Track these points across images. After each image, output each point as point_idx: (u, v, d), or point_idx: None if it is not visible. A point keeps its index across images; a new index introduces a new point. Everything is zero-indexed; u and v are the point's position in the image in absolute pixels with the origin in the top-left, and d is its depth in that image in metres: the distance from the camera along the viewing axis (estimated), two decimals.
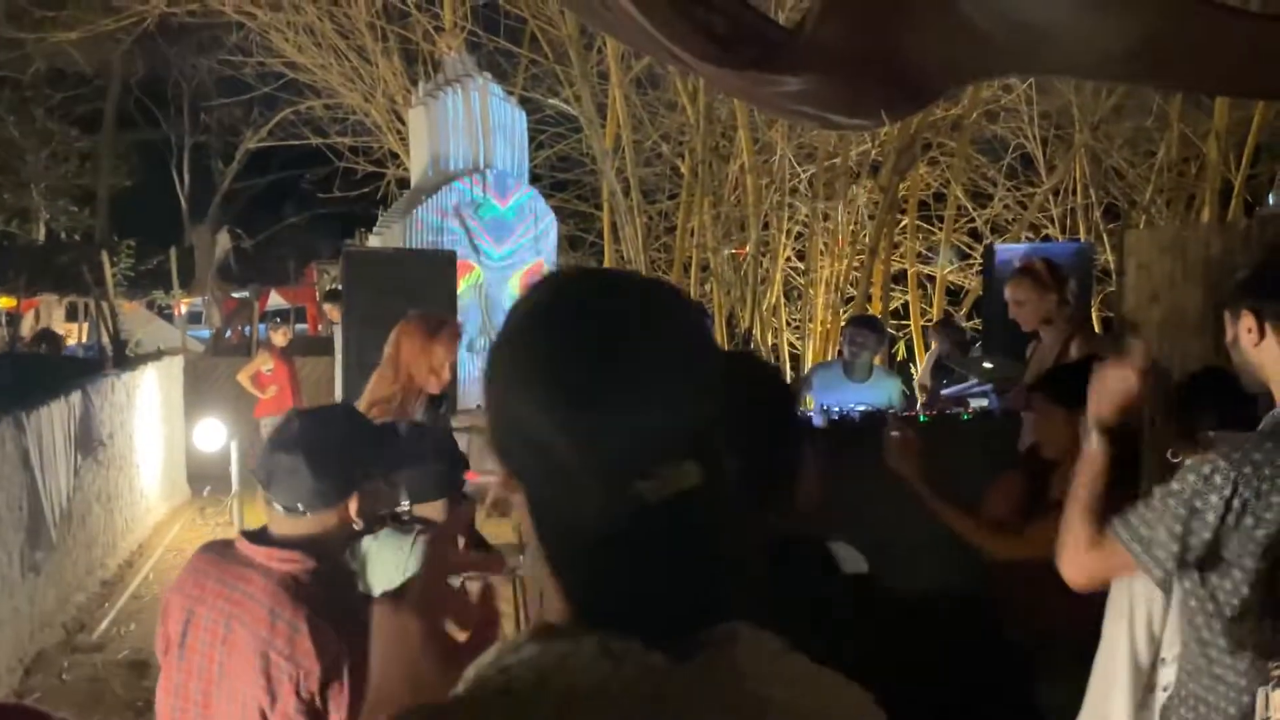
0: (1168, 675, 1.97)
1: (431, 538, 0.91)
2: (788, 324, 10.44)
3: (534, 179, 8.81)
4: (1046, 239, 10.83)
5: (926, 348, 9.08)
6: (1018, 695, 1.57)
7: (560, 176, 11.10)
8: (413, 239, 7.46)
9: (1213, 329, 4.30)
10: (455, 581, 0.88)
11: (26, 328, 13.91)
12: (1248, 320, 1.77)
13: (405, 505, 3.61)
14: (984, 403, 4.62)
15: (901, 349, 10.76)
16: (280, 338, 9.12)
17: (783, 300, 10.37)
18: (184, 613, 1.80)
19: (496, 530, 3.97)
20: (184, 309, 16.90)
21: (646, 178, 10.30)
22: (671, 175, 10.61)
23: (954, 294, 11.29)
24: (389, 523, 2.78)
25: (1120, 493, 1.85)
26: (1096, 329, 7.30)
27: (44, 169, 18.32)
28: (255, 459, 1.90)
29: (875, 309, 9.80)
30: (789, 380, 9.45)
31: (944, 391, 5.40)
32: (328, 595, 1.78)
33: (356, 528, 1.90)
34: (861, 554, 1.51)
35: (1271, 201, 4.80)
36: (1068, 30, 3.59)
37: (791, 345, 10.29)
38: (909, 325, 10.75)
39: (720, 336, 9.04)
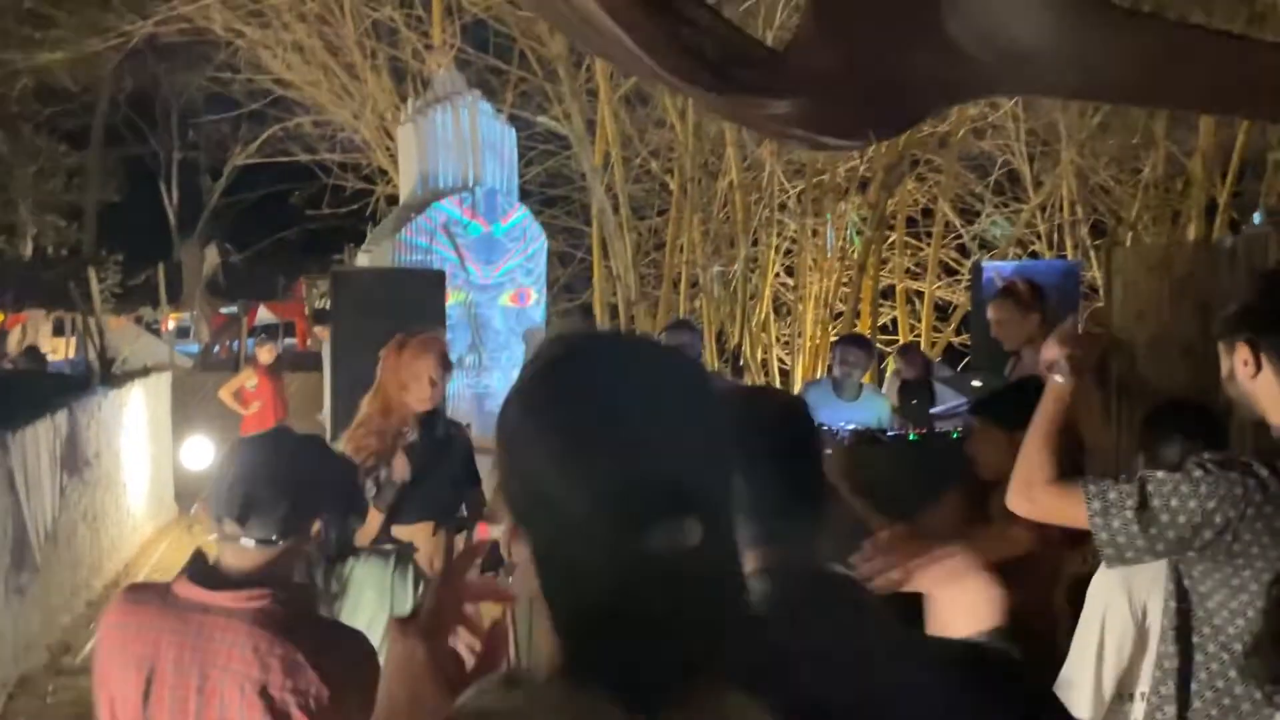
0: (1137, 712, 1.96)
1: (446, 564, 0.93)
2: (777, 340, 10.46)
3: (523, 195, 8.82)
4: (1034, 255, 10.89)
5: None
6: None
7: (550, 193, 11.12)
8: (401, 257, 7.45)
9: (1200, 347, 4.34)
10: (470, 608, 0.91)
11: (13, 343, 13.83)
12: (1243, 352, 1.76)
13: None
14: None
15: (890, 364, 10.78)
16: (266, 354, 9.08)
17: (772, 316, 10.39)
18: (142, 672, 1.71)
19: None
20: (172, 324, 16.83)
21: (636, 194, 10.32)
22: (661, 191, 10.64)
23: (942, 309, 11.34)
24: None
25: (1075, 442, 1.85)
26: None
27: (31, 184, 18.24)
28: (218, 492, 1.77)
29: (864, 325, 9.83)
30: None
31: (932, 410, 5.44)
32: (303, 620, 1.77)
33: (313, 550, 1.90)
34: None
35: (1257, 221, 4.83)
36: (1053, 51, 3.62)
37: (781, 361, 10.30)
38: (898, 340, 10.78)
39: (710, 352, 9.05)
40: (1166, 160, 9.60)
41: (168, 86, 18.88)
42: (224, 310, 16.57)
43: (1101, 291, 8.39)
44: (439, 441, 3.57)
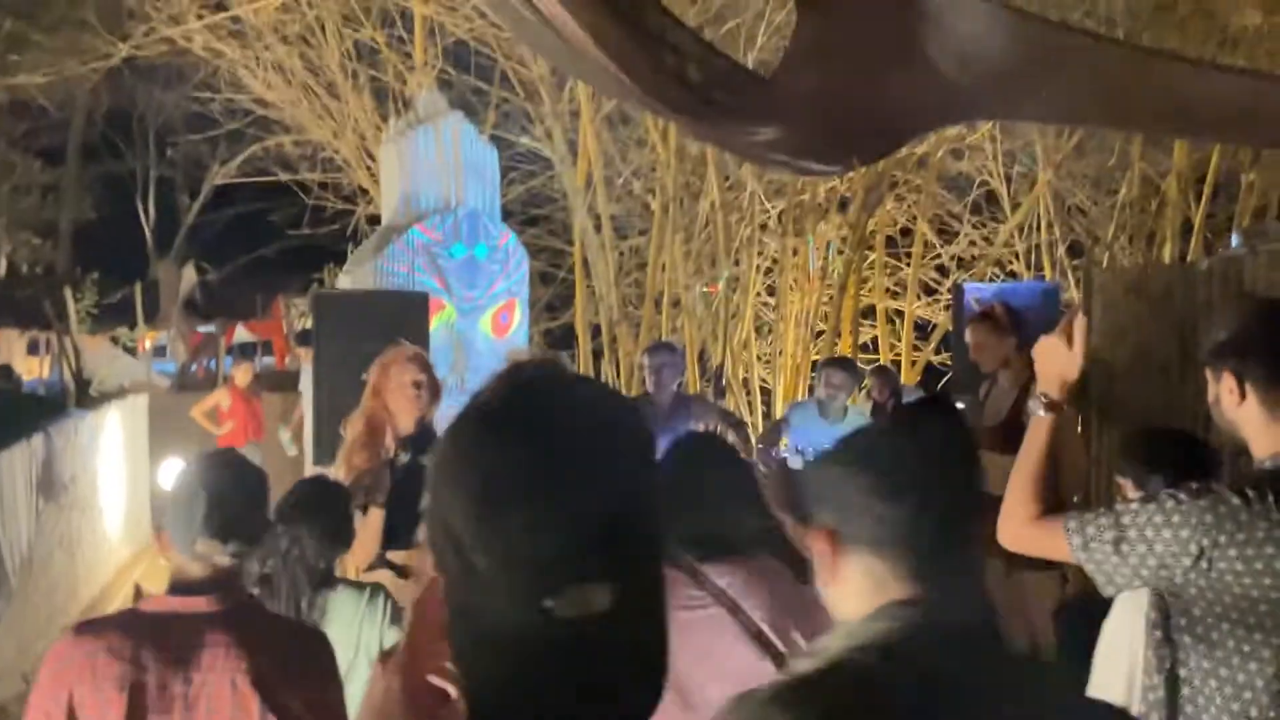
0: None
1: (422, 597, 0.92)
2: (758, 359, 10.49)
3: (505, 215, 8.81)
4: (1013, 275, 10.99)
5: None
6: None
7: (532, 212, 11.13)
8: (383, 279, 7.42)
9: (1177, 367, 4.39)
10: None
11: None
12: (1229, 381, 1.77)
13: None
14: None
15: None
16: (242, 374, 9.01)
17: (754, 335, 10.42)
18: (123, 692, 1.73)
19: None
20: (149, 344, 16.68)
21: (618, 214, 10.34)
22: (643, 211, 10.66)
23: (921, 328, 11.41)
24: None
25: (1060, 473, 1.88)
26: None
27: (6, 201, 18.06)
28: (190, 517, 1.81)
29: (845, 344, 9.88)
30: (759, 422, 9.48)
31: None
32: (269, 614, 2.03)
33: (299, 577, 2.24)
34: None
35: (1234, 242, 4.89)
36: (1028, 74, 3.68)
37: (762, 380, 10.33)
38: (878, 359, 10.83)
39: (691, 372, 9.06)
40: (1142, 181, 9.72)
41: (146, 104, 18.77)
42: (201, 329, 16.45)
43: (1080, 311, 8.46)
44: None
